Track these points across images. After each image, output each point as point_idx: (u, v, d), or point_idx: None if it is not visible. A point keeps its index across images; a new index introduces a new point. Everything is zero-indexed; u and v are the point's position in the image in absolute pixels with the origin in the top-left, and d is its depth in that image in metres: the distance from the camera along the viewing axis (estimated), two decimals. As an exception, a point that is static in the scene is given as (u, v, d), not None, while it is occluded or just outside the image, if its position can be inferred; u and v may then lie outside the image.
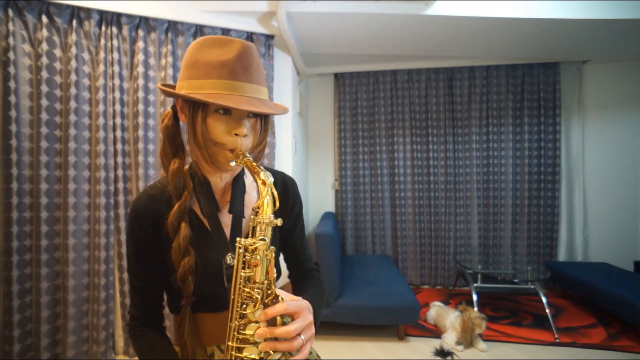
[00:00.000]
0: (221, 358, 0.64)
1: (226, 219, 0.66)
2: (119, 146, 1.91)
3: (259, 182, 0.55)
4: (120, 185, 1.92)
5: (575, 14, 2.15)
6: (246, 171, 0.72)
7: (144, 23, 1.92)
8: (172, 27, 1.97)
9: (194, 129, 0.57)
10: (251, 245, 0.52)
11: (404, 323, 2.14)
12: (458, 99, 3.14)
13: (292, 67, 2.47)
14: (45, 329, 1.76)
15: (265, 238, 0.53)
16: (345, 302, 2.14)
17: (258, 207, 0.54)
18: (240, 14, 2.06)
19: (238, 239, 0.54)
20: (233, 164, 0.58)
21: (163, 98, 1.97)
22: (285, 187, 0.73)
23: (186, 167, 0.66)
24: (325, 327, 2.31)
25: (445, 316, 2.23)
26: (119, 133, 1.90)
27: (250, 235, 0.54)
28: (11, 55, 1.64)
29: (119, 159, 1.91)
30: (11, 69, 1.64)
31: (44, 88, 1.73)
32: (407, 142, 3.23)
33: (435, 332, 2.27)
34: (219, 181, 0.67)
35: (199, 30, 2.03)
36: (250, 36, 2.14)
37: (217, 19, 2.02)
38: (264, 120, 0.63)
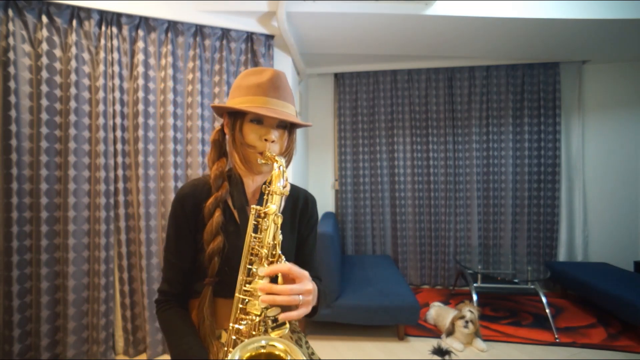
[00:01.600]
0: (227, 338, 0.71)
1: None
2: (119, 146, 1.91)
3: (274, 162, 0.66)
4: (120, 185, 1.92)
5: (575, 14, 2.16)
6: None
7: (144, 23, 1.92)
8: (172, 27, 1.97)
9: (233, 135, 0.72)
10: (263, 210, 0.64)
11: (404, 323, 2.14)
12: (458, 99, 3.14)
13: (292, 67, 2.47)
14: (45, 329, 1.76)
15: (274, 205, 0.63)
16: (345, 302, 2.14)
17: (270, 180, 0.65)
18: (240, 14, 2.06)
19: (252, 205, 0.66)
20: (261, 161, 0.71)
21: (163, 98, 1.97)
22: (306, 202, 0.86)
23: (226, 169, 0.79)
24: (325, 327, 2.31)
25: (445, 316, 2.23)
26: (119, 133, 1.90)
27: (263, 205, 0.65)
28: (11, 55, 1.64)
29: (119, 159, 1.91)
30: (11, 69, 1.64)
31: (44, 88, 1.73)
32: (407, 142, 3.23)
33: (435, 332, 2.27)
34: (251, 183, 0.79)
35: (199, 30, 2.03)
36: (250, 36, 2.14)
37: (217, 19, 2.03)
38: (290, 132, 0.76)
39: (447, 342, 2.10)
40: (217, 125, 0.81)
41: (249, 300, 0.61)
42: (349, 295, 2.19)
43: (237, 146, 0.72)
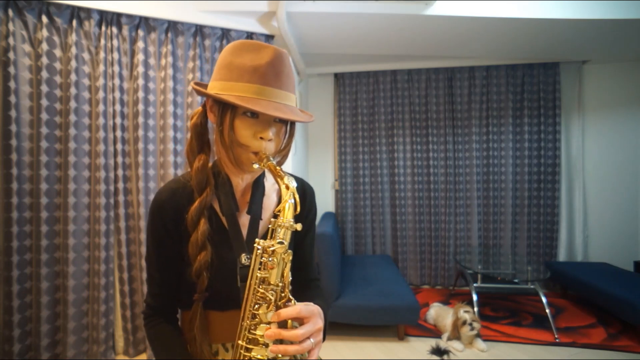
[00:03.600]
0: (225, 356, 0.65)
1: (244, 220, 0.67)
2: (119, 146, 1.91)
3: (282, 186, 0.56)
4: (120, 185, 1.92)
5: (575, 14, 2.15)
6: (267, 174, 0.74)
7: (144, 23, 1.92)
8: (172, 27, 1.97)
9: (222, 130, 0.59)
10: (269, 247, 0.53)
11: (404, 323, 2.14)
12: (458, 99, 3.14)
13: (292, 67, 2.47)
14: (45, 329, 1.76)
15: (284, 241, 0.53)
16: (345, 302, 2.14)
17: (279, 211, 0.55)
18: (240, 14, 2.06)
19: (257, 240, 0.55)
20: (256, 166, 0.59)
21: (163, 98, 1.97)
22: (304, 194, 0.74)
23: (210, 164, 0.67)
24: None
25: (445, 316, 2.23)
26: (119, 133, 1.90)
27: (269, 237, 0.55)
28: (11, 55, 1.64)
29: (119, 159, 1.91)
30: (11, 69, 1.64)
31: (44, 88, 1.73)
32: (407, 142, 3.23)
33: (435, 332, 2.27)
34: (241, 182, 0.68)
35: (199, 30, 2.03)
36: (250, 36, 2.14)
37: (217, 19, 2.02)
38: (289, 127, 0.64)
39: (447, 342, 2.10)
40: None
41: (252, 347, 0.53)
42: (349, 295, 2.19)
43: (226, 143, 0.59)
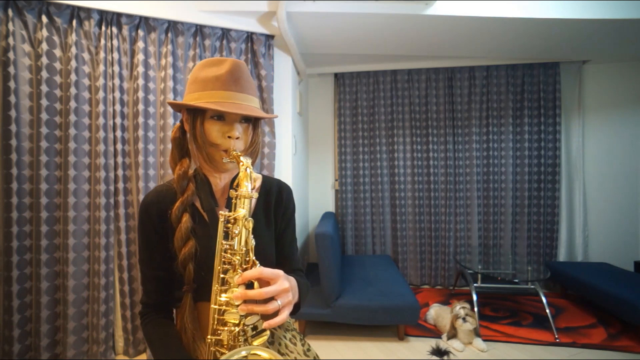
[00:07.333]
0: (206, 350, 0.68)
1: None
2: (119, 146, 1.91)
3: (240, 164, 0.63)
4: (120, 185, 1.92)
5: (575, 14, 2.15)
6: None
7: (144, 23, 1.92)
8: (172, 27, 1.97)
9: (194, 133, 0.67)
10: (232, 216, 0.60)
11: (404, 323, 2.14)
12: (458, 99, 3.14)
13: (292, 67, 2.47)
14: (45, 329, 1.76)
15: (244, 209, 0.60)
16: (345, 302, 2.14)
17: (237, 184, 0.62)
18: (240, 14, 2.06)
19: (221, 212, 0.61)
20: (226, 160, 0.67)
21: (163, 98, 1.97)
22: (280, 192, 0.81)
23: (191, 171, 0.74)
24: (325, 327, 2.31)
25: (445, 316, 2.23)
26: (119, 133, 1.90)
27: (232, 210, 0.61)
28: (11, 55, 1.64)
29: (119, 159, 1.91)
30: (11, 69, 1.64)
31: (44, 88, 1.73)
32: (407, 142, 3.23)
33: (435, 332, 2.27)
34: (219, 182, 0.76)
35: (199, 30, 2.03)
36: (250, 36, 2.14)
37: (217, 19, 2.02)
38: (254, 126, 0.72)
39: (447, 343, 2.10)
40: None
41: (225, 310, 0.58)
42: (349, 295, 2.19)
43: (200, 145, 0.67)
